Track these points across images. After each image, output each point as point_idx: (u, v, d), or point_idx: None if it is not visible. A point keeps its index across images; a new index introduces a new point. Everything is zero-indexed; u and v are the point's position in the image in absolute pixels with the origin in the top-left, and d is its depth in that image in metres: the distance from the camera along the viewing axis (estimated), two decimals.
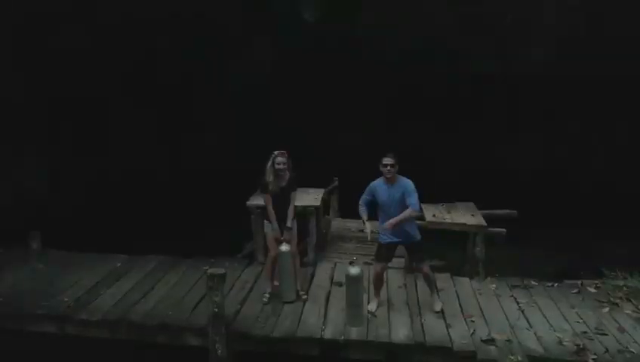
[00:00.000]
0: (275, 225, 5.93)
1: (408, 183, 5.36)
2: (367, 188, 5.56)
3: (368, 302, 5.87)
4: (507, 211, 7.50)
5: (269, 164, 5.80)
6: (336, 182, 9.32)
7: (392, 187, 5.35)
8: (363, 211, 5.58)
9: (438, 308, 5.73)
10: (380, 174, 5.47)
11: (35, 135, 10.00)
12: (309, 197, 7.38)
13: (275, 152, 5.82)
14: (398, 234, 5.47)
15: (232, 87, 10.78)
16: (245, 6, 8.49)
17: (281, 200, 5.88)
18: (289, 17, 8.79)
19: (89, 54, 9.35)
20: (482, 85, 10.20)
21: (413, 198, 5.27)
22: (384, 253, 5.65)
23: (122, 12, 8.43)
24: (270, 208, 5.94)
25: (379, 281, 5.82)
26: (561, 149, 11.54)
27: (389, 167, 5.29)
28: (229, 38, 9.51)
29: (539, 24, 8.47)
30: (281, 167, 5.75)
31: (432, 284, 5.82)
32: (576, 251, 9.26)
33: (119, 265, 7.12)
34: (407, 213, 5.28)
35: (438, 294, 5.90)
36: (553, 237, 9.63)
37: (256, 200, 6.86)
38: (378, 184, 5.48)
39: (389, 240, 5.55)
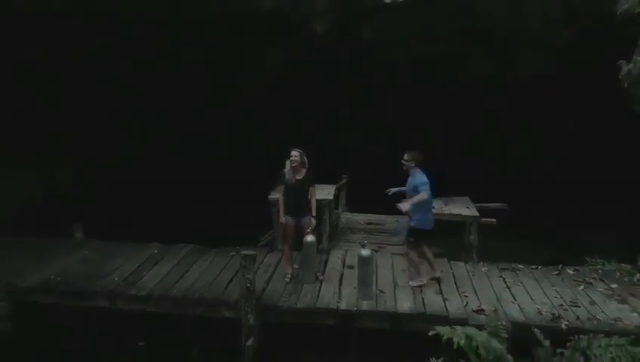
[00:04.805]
0: (283, 216, 6.86)
1: (418, 177, 6.45)
2: None
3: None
4: (498, 204, 8.43)
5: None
6: (344, 180, 10.18)
7: (411, 179, 6.52)
8: None
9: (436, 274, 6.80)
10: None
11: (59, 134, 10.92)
12: (322, 192, 8.31)
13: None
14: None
15: (245, 89, 11.65)
16: (256, 15, 9.19)
17: (298, 191, 6.76)
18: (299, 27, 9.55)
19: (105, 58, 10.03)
20: (482, 87, 10.97)
21: (420, 188, 6.37)
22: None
23: (126, 13, 9.00)
24: (282, 198, 6.91)
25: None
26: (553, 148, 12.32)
27: (403, 161, 6.49)
28: (240, 45, 10.31)
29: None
30: (293, 158, 6.67)
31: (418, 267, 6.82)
32: (564, 242, 10.11)
33: (155, 251, 8.02)
34: (414, 198, 6.34)
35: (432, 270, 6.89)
36: (542, 228, 10.48)
37: (277, 195, 7.76)
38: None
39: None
